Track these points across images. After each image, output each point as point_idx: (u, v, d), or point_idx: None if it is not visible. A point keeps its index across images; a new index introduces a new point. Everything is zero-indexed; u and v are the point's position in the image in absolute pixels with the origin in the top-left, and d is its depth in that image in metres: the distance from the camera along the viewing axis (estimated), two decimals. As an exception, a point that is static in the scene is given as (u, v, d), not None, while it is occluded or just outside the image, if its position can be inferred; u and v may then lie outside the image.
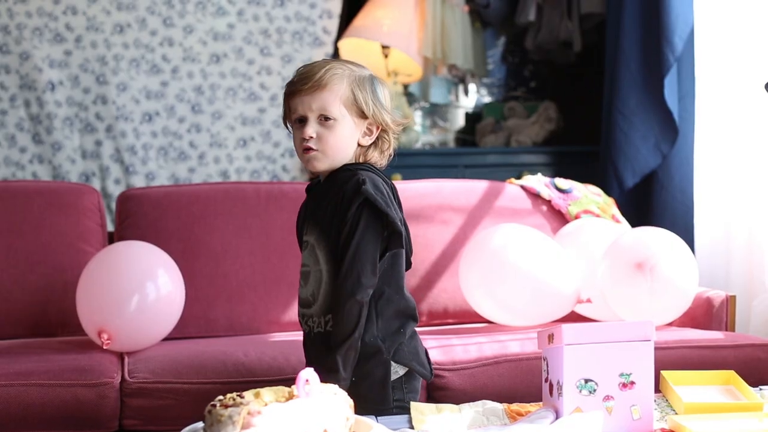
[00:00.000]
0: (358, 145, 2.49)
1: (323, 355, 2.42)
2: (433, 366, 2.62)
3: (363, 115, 2.46)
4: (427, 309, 3.62)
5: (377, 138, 2.51)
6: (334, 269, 2.43)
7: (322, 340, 2.46)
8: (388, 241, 2.44)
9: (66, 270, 3.46)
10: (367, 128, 2.48)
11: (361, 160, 2.50)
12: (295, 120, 2.48)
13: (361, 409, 2.04)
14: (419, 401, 2.50)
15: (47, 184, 3.82)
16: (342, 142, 2.45)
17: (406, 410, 2.42)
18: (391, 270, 2.47)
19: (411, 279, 3.53)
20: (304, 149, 2.46)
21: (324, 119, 2.44)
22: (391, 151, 2.55)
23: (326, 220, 2.46)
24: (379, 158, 2.52)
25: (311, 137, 2.44)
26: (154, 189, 3.73)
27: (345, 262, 2.40)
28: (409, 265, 2.54)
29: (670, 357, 3.06)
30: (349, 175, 2.45)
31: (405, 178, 4.61)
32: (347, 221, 2.40)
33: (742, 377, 2.47)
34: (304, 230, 2.55)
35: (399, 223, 2.43)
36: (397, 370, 2.48)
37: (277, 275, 3.54)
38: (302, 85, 2.44)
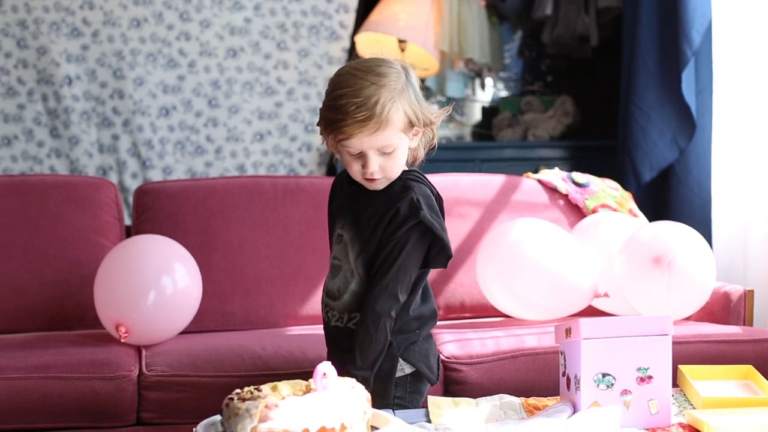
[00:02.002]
0: (409, 147, 2.43)
1: (341, 350, 2.42)
2: (450, 360, 2.61)
3: (413, 125, 2.39)
4: (444, 303, 3.62)
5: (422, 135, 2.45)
6: (367, 276, 2.41)
7: (339, 334, 2.46)
8: (435, 258, 2.41)
9: (83, 264, 3.47)
10: (414, 131, 2.41)
11: (408, 162, 2.45)
12: (350, 152, 2.36)
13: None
14: (435, 395, 2.50)
15: (64, 178, 3.83)
16: (401, 161, 2.40)
17: (404, 408, 2.42)
18: (419, 278, 2.45)
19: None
20: (366, 179, 2.38)
21: (384, 152, 2.35)
22: (435, 140, 2.50)
23: (369, 228, 2.41)
24: (423, 151, 2.47)
25: (374, 171, 2.36)
26: (171, 183, 3.74)
27: (384, 278, 2.37)
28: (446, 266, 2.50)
29: (688, 351, 3.06)
30: (400, 187, 2.40)
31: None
32: (396, 239, 2.37)
33: (760, 372, 2.47)
34: (338, 221, 2.50)
35: (450, 246, 2.40)
36: (404, 368, 2.47)
37: (294, 269, 3.55)
38: (361, 127, 2.31)
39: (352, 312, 2.44)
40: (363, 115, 2.30)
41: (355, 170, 2.38)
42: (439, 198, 2.48)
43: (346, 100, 2.31)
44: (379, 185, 2.41)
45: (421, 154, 2.48)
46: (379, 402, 2.35)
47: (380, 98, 2.31)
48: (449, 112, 2.50)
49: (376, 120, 2.30)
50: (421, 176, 2.48)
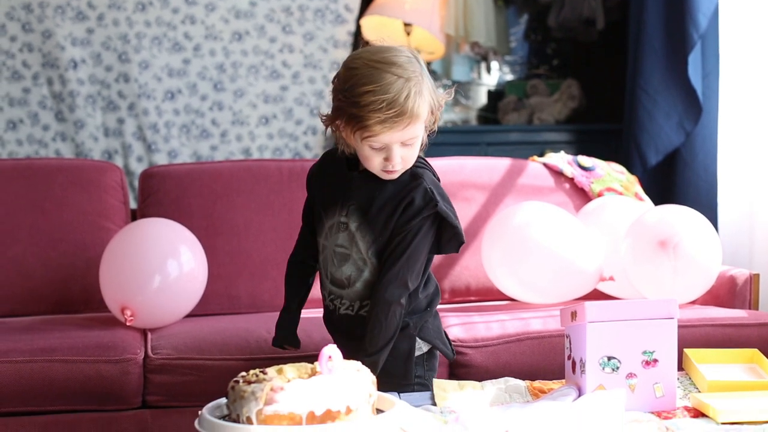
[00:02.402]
0: None
1: (352, 338, 2.42)
2: (455, 343, 2.62)
3: (432, 113, 2.37)
4: (449, 286, 3.62)
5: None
6: (381, 265, 2.40)
7: (351, 322, 2.46)
8: (447, 244, 2.42)
9: (89, 247, 3.47)
10: (433, 118, 2.40)
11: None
12: (374, 146, 2.33)
13: (383, 384, 2.04)
14: (441, 378, 2.50)
15: (70, 162, 3.83)
16: (418, 149, 2.39)
17: (426, 387, 2.43)
18: (428, 262, 2.46)
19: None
20: (386, 171, 2.36)
21: (408, 143, 2.34)
22: (436, 125, 2.45)
23: (381, 218, 2.39)
24: (425, 137, 2.43)
25: (394, 164, 2.35)
26: (177, 167, 3.74)
27: (395, 266, 2.36)
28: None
29: (693, 335, 3.06)
30: (409, 175, 2.39)
31: (427, 155, 4.59)
32: (410, 228, 2.36)
33: (765, 355, 2.47)
34: (338, 207, 2.45)
35: (463, 233, 2.40)
36: (421, 347, 2.49)
37: (299, 252, 3.55)
38: (393, 124, 2.27)
39: (365, 300, 2.43)
40: (395, 112, 2.26)
41: (375, 163, 2.35)
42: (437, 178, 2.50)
43: (376, 97, 2.26)
44: (397, 175, 2.38)
45: (425, 139, 2.45)
46: (401, 383, 2.37)
47: (410, 93, 2.27)
48: (452, 96, 2.47)
49: (408, 115, 2.27)
50: (424, 162, 2.47)
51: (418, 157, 2.44)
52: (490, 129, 5.26)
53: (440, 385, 2.36)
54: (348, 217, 2.43)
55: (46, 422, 2.85)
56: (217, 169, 3.68)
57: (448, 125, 5.35)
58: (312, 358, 2.02)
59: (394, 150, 2.32)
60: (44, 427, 2.85)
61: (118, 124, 4.81)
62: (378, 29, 5.05)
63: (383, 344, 2.37)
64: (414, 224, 2.36)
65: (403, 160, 2.34)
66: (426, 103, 2.31)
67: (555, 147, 4.67)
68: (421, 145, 2.41)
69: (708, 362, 2.45)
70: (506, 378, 2.40)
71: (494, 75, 5.50)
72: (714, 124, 4.39)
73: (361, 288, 2.43)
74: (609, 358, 2.18)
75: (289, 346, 2.62)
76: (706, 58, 4.39)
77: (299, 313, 2.63)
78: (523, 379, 2.40)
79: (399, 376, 2.41)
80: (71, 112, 4.75)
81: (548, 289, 3.39)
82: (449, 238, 2.41)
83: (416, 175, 2.39)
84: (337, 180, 2.49)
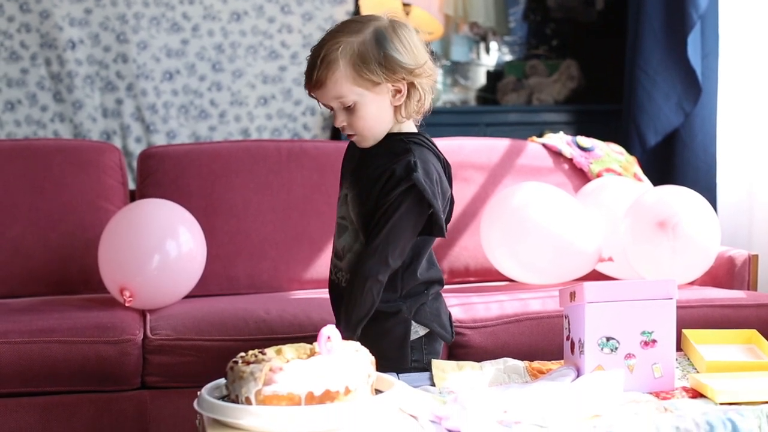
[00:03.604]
0: (394, 107, 2.38)
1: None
2: (454, 324, 2.61)
3: (378, 84, 2.33)
4: (448, 267, 3.62)
5: (408, 91, 2.37)
6: (365, 236, 2.38)
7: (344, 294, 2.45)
8: (431, 228, 2.36)
9: (87, 228, 3.47)
10: (393, 89, 2.35)
11: (401, 120, 2.40)
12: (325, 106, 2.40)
13: (379, 368, 2.04)
14: (440, 359, 2.50)
15: (68, 143, 3.82)
16: (373, 120, 2.36)
17: (424, 371, 2.42)
18: (423, 243, 2.41)
19: (432, 237, 3.53)
20: (347, 134, 2.40)
21: (345, 106, 2.34)
22: (427, 100, 2.40)
23: (367, 188, 2.37)
24: (416, 110, 2.39)
25: (343, 125, 2.36)
26: (175, 147, 3.73)
27: (376, 240, 2.32)
28: (443, 235, 2.43)
29: (692, 316, 3.06)
30: (401, 148, 2.37)
31: (426, 136, 4.60)
32: (389, 200, 2.32)
33: (764, 336, 2.47)
34: (344, 180, 2.49)
35: (442, 215, 2.35)
36: (418, 330, 2.47)
37: (298, 233, 3.55)
38: (308, 83, 2.35)
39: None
40: (308, 74, 2.34)
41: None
42: (446, 164, 2.45)
43: (309, 56, 2.36)
44: (363, 142, 2.39)
45: (414, 112, 2.40)
46: (398, 368, 2.34)
47: (323, 54, 2.31)
48: (435, 77, 2.44)
49: (316, 79, 2.32)
50: (426, 140, 2.43)
51: (421, 135, 2.43)
52: (489, 109, 5.26)
53: (439, 365, 2.36)
54: (347, 188, 2.45)
55: (45, 403, 2.86)
56: (215, 149, 3.68)
57: (447, 106, 5.34)
58: (311, 338, 2.02)
59: (336, 112, 2.36)
60: (43, 407, 2.85)
61: (116, 104, 4.81)
62: (376, 9, 5.03)
63: (356, 321, 2.33)
64: (393, 196, 2.31)
65: (351, 126, 2.36)
66: (346, 70, 2.30)
67: (554, 127, 4.67)
68: (413, 98, 2.37)
69: (706, 343, 2.45)
70: (505, 359, 2.40)
71: (493, 55, 5.49)
72: (713, 105, 4.39)
73: (352, 259, 2.41)
74: (608, 339, 2.18)
75: None
76: (706, 39, 4.38)
77: None
78: (522, 360, 2.40)
79: (395, 360, 2.39)
80: (69, 93, 4.75)
81: (547, 269, 3.39)
82: (433, 221, 2.35)
83: (408, 149, 2.36)
84: (349, 152, 2.53)
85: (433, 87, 2.45)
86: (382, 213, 2.33)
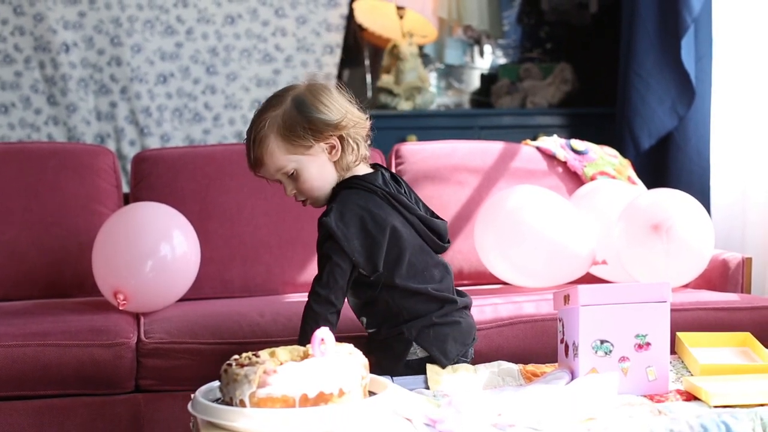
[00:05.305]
0: (333, 162, 2.49)
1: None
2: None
3: (310, 147, 2.45)
4: (442, 270, 3.61)
5: (341, 145, 2.47)
6: None
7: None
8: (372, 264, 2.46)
9: (81, 231, 3.47)
10: (327, 146, 2.47)
11: (343, 173, 2.51)
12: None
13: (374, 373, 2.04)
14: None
15: (62, 146, 3.82)
16: (316, 180, 2.48)
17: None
18: (397, 267, 2.46)
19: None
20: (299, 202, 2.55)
21: (288, 176, 2.48)
22: (362, 147, 2.51)
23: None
24: (354, 159, 2.50)
25: (294, 194, 2.51)
26: (169, 150, 3.74)
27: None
28: (437, 250, 2.56)
29: (686, 319, 3.06)
30: (332, 198, 2.50)
31: (420, 139, 4.61)
32: (318, 242, 2.46)
33: (757, 339, 2.47)
34: None
35: (356, 254, 2.42)
36: (417, 352, 2.47)
37: (292, 236, 3.55)
38: (250, 167, 2.52)
39: (360, 317, 2.59)
40: (247, 154, 2.52)
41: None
42: (388, 187, 2.51)
43: (245, 140, 2.55)
44: (317, 203, 2.53)
45: (353, 161, 2.50)
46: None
47: (254, 133, 2.49)
48: (364, 124, 2.51)
49: (254, 162, 2.51)
50: (359, 182, 2.50)
51: (356, 176, 2.51)
52: (483, 113, 5.26)
53: (433, 368, 2.36)
54: None
55: (39, 407, 2.85)
56: (209, 152, 3.68)
57: (441, 109, 5.34)
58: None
59: (284, 184, 2.51)
60: (37, 411, 2.85)
61: (110, 107, 4.80)
62: (371, 13, 5.04)
63: (300, 336, 2.42)
64: (320, 238, 2.45)
65: (300, 192, 2.50)
66: (277, 144, 2.46)
67: (548, 131, 4.67)
68: (348, 149, 2.48)
69: (700, 346, 2.45)
70: (499, 361, 2.41)
71: (487, 58, 5.49)
72: (707, 108, 4.40)
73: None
74: (602, 342, 2.18)
75: None
76: (700, 42, 4.39)
77: None
78: (516, 363, 2.41)
79: (388, 373, 2.40)
80: (63, 96, 4.74)
81: (541, 272, 3.39)
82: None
83: (335, 198, 2.48)
84: None
85: (368, 134, 2.55)
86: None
